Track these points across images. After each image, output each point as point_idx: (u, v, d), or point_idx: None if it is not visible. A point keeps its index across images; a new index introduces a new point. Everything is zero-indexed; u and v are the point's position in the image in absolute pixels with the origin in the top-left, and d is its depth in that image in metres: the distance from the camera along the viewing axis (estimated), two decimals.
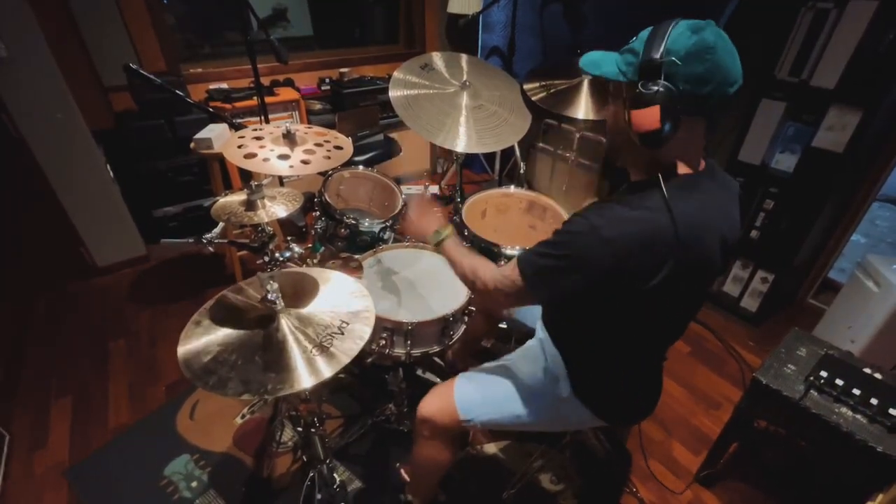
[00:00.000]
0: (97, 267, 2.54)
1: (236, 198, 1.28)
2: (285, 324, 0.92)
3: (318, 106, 3.07)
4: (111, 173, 2.47)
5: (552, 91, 1.97)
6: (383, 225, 1.71)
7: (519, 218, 1.85)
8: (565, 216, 1.48)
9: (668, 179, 0.81)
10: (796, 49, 1.84)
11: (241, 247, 1.39)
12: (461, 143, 1.63)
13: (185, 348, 0.87)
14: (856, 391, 1.24)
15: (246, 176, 1.30)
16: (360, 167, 1.96)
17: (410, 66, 1.73)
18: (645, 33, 0.78)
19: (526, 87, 1.97)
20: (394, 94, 1.64)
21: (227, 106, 2.64)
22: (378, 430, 1.70)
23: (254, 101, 2.69)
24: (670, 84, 0.73)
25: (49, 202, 2.26)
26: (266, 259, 1.38)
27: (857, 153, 1.83)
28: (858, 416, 1.22)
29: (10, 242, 2.30)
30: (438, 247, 1.11)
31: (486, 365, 1.23)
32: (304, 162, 1.30)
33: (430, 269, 1.59)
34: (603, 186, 2.54)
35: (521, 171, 2.49)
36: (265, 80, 2.79)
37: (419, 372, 1.84)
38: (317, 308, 0.98)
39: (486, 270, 0.96)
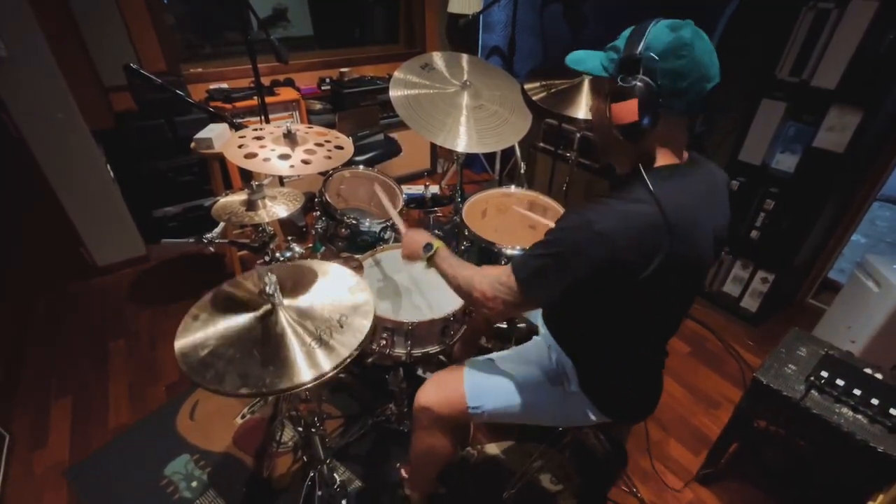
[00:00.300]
0: (97, 267, 2.54)
1: (237, 198, 1.28)
2: (284, 317, 0.92)
3: (318, 106, 3.07)
4: (111, 173, 2.47)
5: (553, 91, 1.97)
6: (384, 225, 1.71)
7: (519, 218, 1.85)
8: None
9: (651, 171, 0.83)
10: (797, 49, 1.84)
11: (241, 247, 1.39)
12: (461, 142, 1.62)
13: (182, 342, 0.86)
14: (856, 391, 1.24)
15: (246, 176, 1.30)
16: (361, 167, 1.96)
17: (411, 65, 1.73)
18: (627, 31, 0.81)
19: (526, 86, 1.97)
20: (394, 93, 1.64)
21: (228, 106, 2.64)
22: (378, 430, 1.70)
23: (254, 101, 2.69)
24: (649, 79, 0.76)
25: (49, 202, 2.26)
26: (266, 259, 1.38)
27: (857, 153, 1.82)
28: (859, 417, 1.22)
29: (10, 242, 2.30)
30: (430, 262, 1.11)
31: (493, 355, 1.22)
32: (305, 162, 1.30)
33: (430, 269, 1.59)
34: (603, 186, 2.54)
35: (522, 170, 2.49)
36: (265, 80, 2.79)
37: (419, 372, 1.84)
38: (316, 301, 0.98)
39: (483, 279, 0.96)
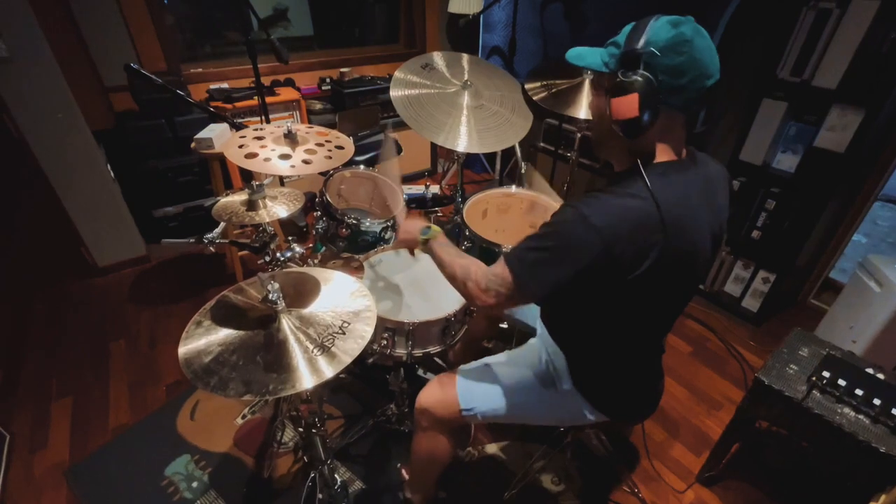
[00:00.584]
0: (97, 267, 2.54)
1: (237, 198, 1.28)
2: (286, 324, 0.92)
3: (318, 106, 3.07)
4: (111, 173, 2.47)
5: (553, 91, 1.97)
6: (384, 225, 1.70)
7: (520, 218, 1.85)
8: None
9: (649, 167, 0.83)
10: (798, 49, 1.84)
11: (242, 247, 1.39)
12: (462, 142, 1.62)
13: (185, 349, 0.86)
14: (858, 392, 1.24)
15: (247, 176, 1.29)
16: (361, 167, 1.95)
17: (411, 65, 1.73)
18: (628, 27, 0.81)
19: (527, 86, 1.97)
20: (395, 93, 1.64)
21: (228, 106, 2.64)
22: (379, 431, 1.70)
23: (254, 101, 2.70)
24: (649, 74, 0.76)
25: (49, 202, 2.26)
26: (267, 259, 1.38)
27: (858, 153, 1.82)
28: (861, 417, 1.22)
29: (10, 242, 2.30)
30: (426, 246, 1.09)
31: (488, 359, 1.23)
32: (306, 162, 1.30)
33: (431, 268, 1.57)
34: (603, 185, 2.54)
35: (522, 170, 2.49)
36: (266, 80, 2.79)
37: (420, 372, 1.84)
38: (318, 308, 0.98)
39: (477, 270, 0.95)
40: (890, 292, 1.74)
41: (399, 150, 2.94)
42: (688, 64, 0.76)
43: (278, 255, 1.39)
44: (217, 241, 1.30)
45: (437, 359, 1.82)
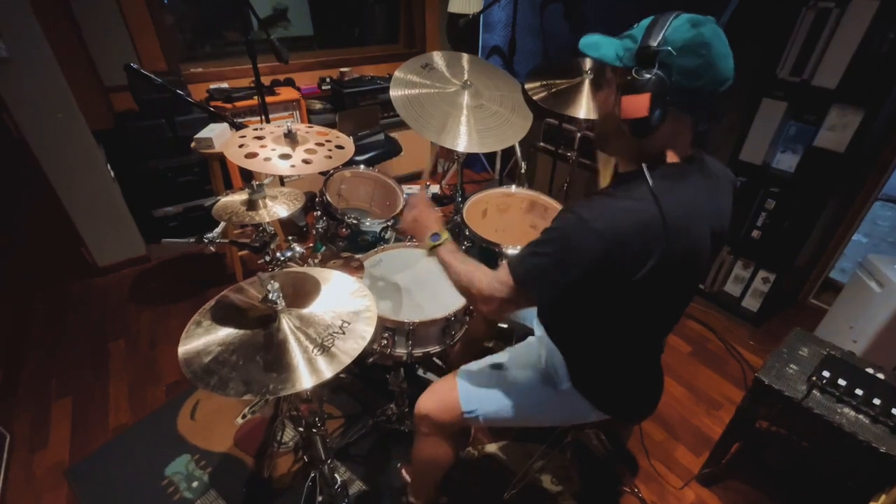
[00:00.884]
0: (97, 267, 2.54)
1: (237, 197, 1.28)
2: (286, 324, 0.92)
3: (318, 105, 3.07)
4: (111, 173, 2.47)
5: (553, 91, 1.97)
6: (384, 225, 1.71)
7: (520, 218, 1.85)
8: None
9: (654, 170, 0.81)
10: (798, 48, 1.84)
11: (242, 247, 1.39)
12: (462, 142, 1.62)
13: (185, 349, 0.86)
14: (858, 391, 1.24)
15: (247, 175, 1.29)
16: (361, 167, 1.96)
17: (411, 65, 1.73)
18: (646, 21, 0.78)
19: (527, 86, 1.97)
20: (395, 93, 1.64)
21: (228, 105, 2.64)
22: (379, 431, 1.70)
23: (254, 101, 2.69)
24: (663, 74, 0.74)
25: (49, 202, 2.26)
26: (267, 259, 1.38)
27: (858, 153, 1.82)
28: (861, 417, 1.22)
29: (10, 242, 2.30)
30: (433, 251, 1.08)
31: (487, 359, 1.23)
32: (306, 161, 1.30)
33: (431, 268, 1.58)
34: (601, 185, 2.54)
35: (522, 170, 2.49)
36: (266, 80, 2.79)
37: (420, 372, 1.84)
38: (318, 308, 0.98)
39: (482, 277, 0.94)
40: (890, 292, 1.74)
41: (399, 149, 2.95)
42: (704, 67, 0.74)
43: (278, 254, 1.39)
44: (217, 240, 1.30)
45: (436, 359, 1.82)
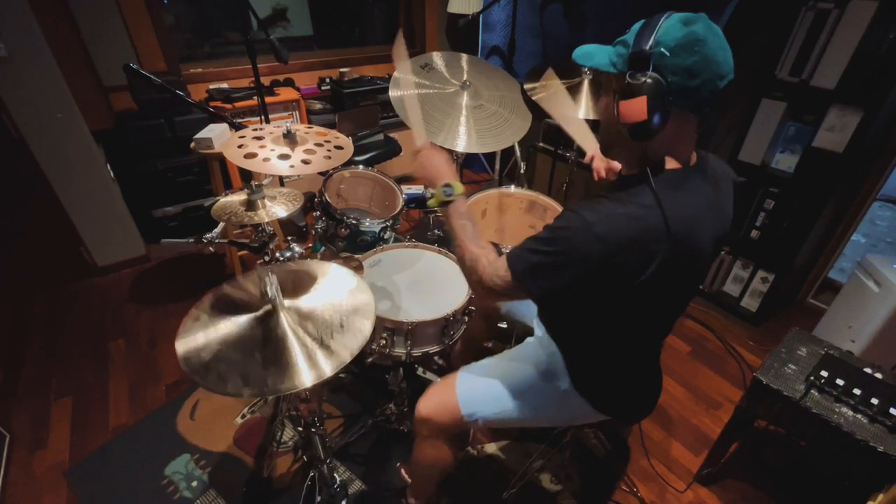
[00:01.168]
0: (97, 267, 2.54)
1: (237, 198, 1.28)
2: (285, 319, 0.92)
3: (318, 106, 3.07)
4: (111, 173, 2.47)
5: (553, 91, 1.97)
6: (384, 225, 1.71)
7: (519, 218, 1.85)
8: None
9: (657, 174, 0.81)
10: (797, 49, 1.84)
11: (241, 247, 1.39)
12: (461, 142, 1.62)
13: (183, 345, 0.86)
14: (856, 391, 1.24)
15: (246, 176, 1.29)
16: (361, 167, 1.96)
17: (411, 65, 1.73)
18: (637, 25, 0.78)
19: (526, 86, 1.97)
20: (394, 93, 1.64)
21: (228, 106, 2.64)
22: (379, 430, 1.70)
23: (254, 101, 2.70)
24: (659, 75, 0.73)
25: (49, 202, 2.26)
26: (266, 259, 1.38)
27: (857, 153, 1.82)
28: (859, 416, 1.22)
29: (10, 242, 2.30)
30: (444, 207, 1.02)
31: (486, 361, 1.22)
32: (305, 162, 1.30)
33: (430, 268, 1.59)
34: (603, 185, 2.54)
35: (521, 170, 2.49)
36: (265, 80, 2.79)
37: (419, 371, 1.84)
38: (317, 303, 0.98)
39: (486, 265, 0.94)
40: (888, 292, 1.74)
41: (399, 149, 2.95)
42: (700, 64, 0.73)
43: (277, 254, 1.39)
44: (216, 240, 1.30)
45: (438, 359, 1.82)
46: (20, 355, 2.07)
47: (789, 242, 2.09)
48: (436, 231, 2.35)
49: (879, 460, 1.15)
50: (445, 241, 1.67)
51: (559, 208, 1.76)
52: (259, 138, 1.36)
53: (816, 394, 1.28)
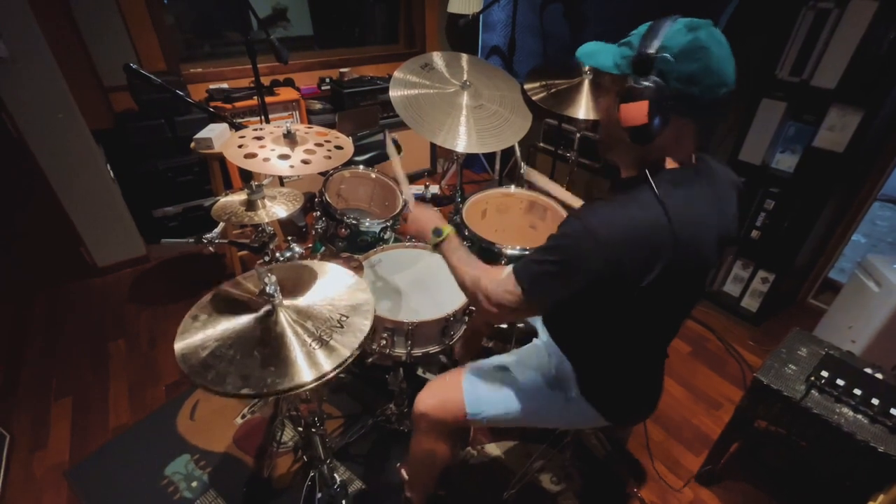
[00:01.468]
0: (97, 267, 2.54)
1: (237, 198, 1.28)
2: (284, 317, 0.92)
3: (318, 106, 3.07)
4: (111, 173, 2.47)
5: (553, 91, 1.97)
6: (384, 225, 1.71)
7: (519, 218, 1.85)
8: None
9: (657, 175, 0.81)
10: (797, 49, 1.84)
11: (241, 247, 1.39)
12: (461, 142, 1.62)
13: (182, 343, 0.86)
14: (857, 391, 1.24)
15: (246, 176, 1.29)
16: (361, 167, 1.96)
17: (411, 65, 1.73)
18: (643, 27, 0.78)
19: (526, 86, 1.97)
20: (394, 93, 1.64)
21: (228, 106, 2.64)
22: (379, 430, 1.70)
23: (254, 101, 2.70)
24: (661, 80, 0.73)
25: (49, 202, 2.26)
26: (266, 259, 1.38)
27: (857, 153, 1.82)
28: (859, 417, 1.22)
29: (10, 242, 2.30)
30: (437, 248, 1.07)
31: (493, 360, 1.22)
32: (305, 162, 1.30)
33: (430, 268, 1.59)
34: (603, 186, 2.54)
35: (522, 170, 2.49)
36: (265, 80, 2.79)
37: (420, 371, 1.84)
38: (316, 302, 0.97)
39: (489, 283, 0.93)
40: (889, 292, 1.74)
41: (399, 149, 2.95)
42: (702, 72, 0.73)
43: (278, 254, 1.39)
44: (216, 241, 1.30)
45: (442, 357, 1.82)
46: (20, 355, 2.07)
47: (789, 242, 2.09)
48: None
49: (880, 461, 1.15)
50: None
51: (559, 208, 1.76)
52: (259, 138, 1.36)
53: (817, 394, 1.28)
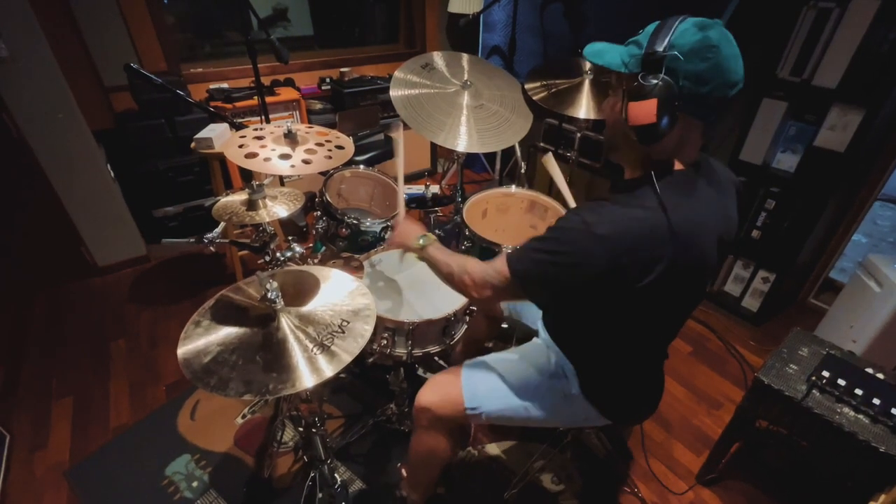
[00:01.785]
0: (97, 267, 2.54)
1: (237, 197, 1.28)
2: (286, 323, 0.92)
3: (318, 105, 3.07)
4: (111, 173, 2.47)
5: (553, 91, 1.97)
6: (384, 225, 1.70)
7: (520, 218, 1.85)
8: None
9: (662, 177, 0.80)
10: (798, 48, 1.84)
11: (242, 247, 1.39)
12: (462, 142, 1.62)
13: (184, 349, 0.87)
14: (858, 391, 1.24)
15: (247, 176, 1.29)
16: (361, 167, 1.95)
17: (411, 65, 1.73)
18: (652, 26, 0.77)
19: (527, 86, 1.97)
20: (394, 93, 1.64)
21: (228, 106, 2.64)
22: (379, 430, 1.70)
23: (254, 101, 2.70)
24: (670, 79, 0.73)
25: (49, 202, 2.26)
26: (267, 259, 1.38)
27: (858, 153, 1.82)
28: (861, 417, 1.22)
29: (10, 242, 2.30)
30: (423, 251, 1.09)
31: (493, 356, 1.21)
32: (306, 161, 1.30)
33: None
34: (603, 185, 2.54)
35: (522, 170, 2.49)
36: (266, 80, 2.79)
37: (420, 371, 1.84)
38: (317, 307, 0.98)
39: (475, 266, 0.95)
40: (890, 292, 1.74)
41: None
42: (712, 71, 0.72)
43: (278, 254, 1.39)
44: (217, 240, 1.30)
45: (438, 359, 1.82)
46: (20, 355, 2.07)
47: (790, 242, 2.09)
48: (436, 231, 2.35)
49: (881, 461, 1.15)
50: (446, 241, 1.67)
51: (560, 208, 1.76)
52: (260, 138, 1.36)
53: (818, 394, 1.28)
